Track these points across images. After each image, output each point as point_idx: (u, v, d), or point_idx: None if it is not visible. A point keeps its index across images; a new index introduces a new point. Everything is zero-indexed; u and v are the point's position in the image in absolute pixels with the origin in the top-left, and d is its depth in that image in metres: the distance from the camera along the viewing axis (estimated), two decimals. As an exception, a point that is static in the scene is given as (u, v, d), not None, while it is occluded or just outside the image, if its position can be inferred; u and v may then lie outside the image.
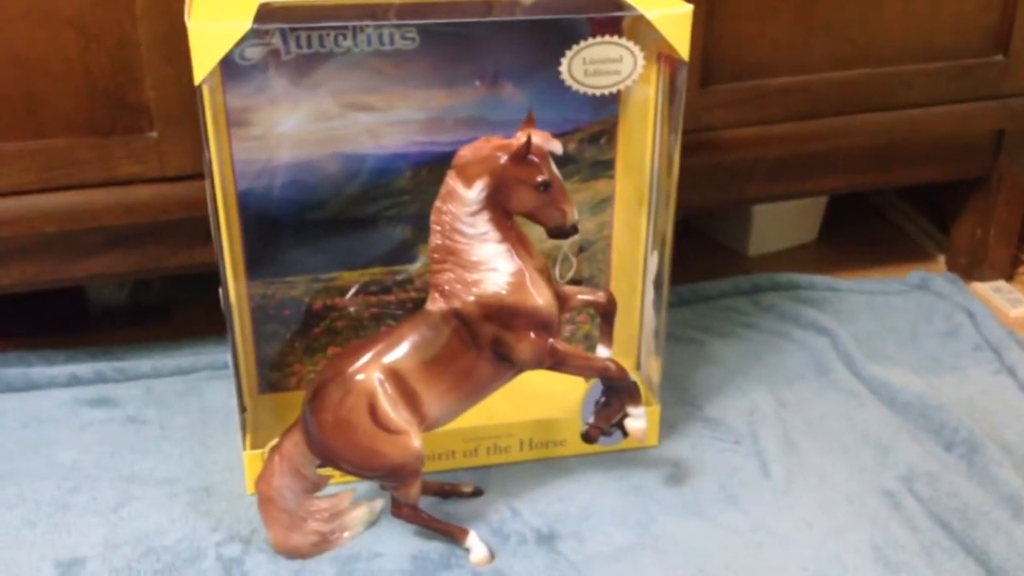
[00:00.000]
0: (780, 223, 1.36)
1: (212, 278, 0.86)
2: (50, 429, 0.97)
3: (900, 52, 1.11)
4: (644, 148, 0.94)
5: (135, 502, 0.87)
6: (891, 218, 1.44)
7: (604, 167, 0.97)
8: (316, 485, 0.83)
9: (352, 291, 0.95)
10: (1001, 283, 1.27)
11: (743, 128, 1.09)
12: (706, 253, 1.36)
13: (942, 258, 1.33)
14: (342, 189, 0.91)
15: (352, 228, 0.93)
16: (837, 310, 1.18)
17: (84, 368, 1.04)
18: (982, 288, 1.26)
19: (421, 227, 0.89)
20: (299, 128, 0.88)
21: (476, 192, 0.77)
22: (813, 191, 1.20)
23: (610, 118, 0.94)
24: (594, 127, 0.95)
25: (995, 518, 0.85)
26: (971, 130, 1.17)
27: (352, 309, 0.96)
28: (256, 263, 0.92)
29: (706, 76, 1.05)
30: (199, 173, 0.93)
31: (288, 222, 0.91)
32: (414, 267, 0.96)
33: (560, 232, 0.79)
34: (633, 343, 1.02)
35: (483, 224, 0.78)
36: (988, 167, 1.21)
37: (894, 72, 1.11)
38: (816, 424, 0.99)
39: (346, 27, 0.84)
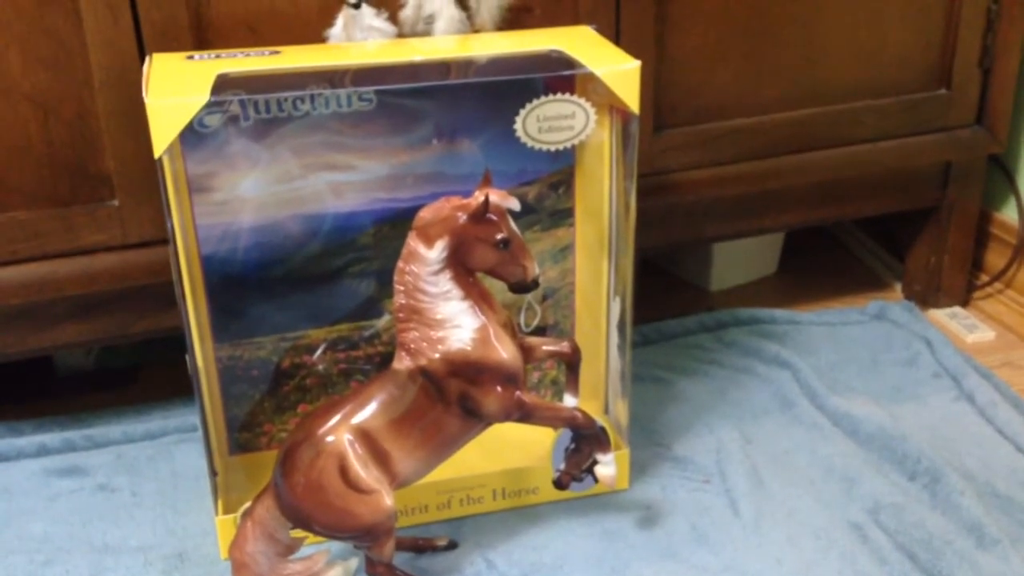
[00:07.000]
0: (740, 258, 1.38)
1: (179, 338, 0.86)
2: (20, 501, 0.96)
3: (848, 90, 1.13)
4: (602, 194, 0.96)
5: (108, 573, 0.87)
6: (848, 248, 1.47)
7: (564, 215, 0.98)
8: (290, 548, 0.83)
9: (320, 349, 0.96)
10: (957, 309, 1.30)
11: (698, 170, 1.11)
12: (668, 290, 1.38)
13: (899, 286, 1.35)
14: (306, 248, 0.92)
15: (318, 286, 0.94)
16: (798, 343, 1.20)
17: (53, 437, 1.03)
18: (938, 315, 1.29)
19: (385, 282, 0.89)
20: (261, 191, 0.88)
21: (437, 252, 0.78)
22: (770, 227, 1.22)
23: (567, 167, 0.96)
24: (552, 176, 0.96)
25: (959, 548, 0.86)
26: (919, 162, 1.20)
27: (321, 366, 0.97)
28: (223, 325, 0.92)
29: (659, 121, 1.07)
30: (162, 239, 0.93)
31: (253, 283, 0.92)
32: (381, 322, 0.97)
33: (521, 287, 0.81)
34: (600, 387, 1.03)
35: (445, 283, 0.79)
36: (938, 197, 1.24)
37: (843, 110, 1.14)
38: (782, 459, 1.01)
39: (303, 95, 0.85)
